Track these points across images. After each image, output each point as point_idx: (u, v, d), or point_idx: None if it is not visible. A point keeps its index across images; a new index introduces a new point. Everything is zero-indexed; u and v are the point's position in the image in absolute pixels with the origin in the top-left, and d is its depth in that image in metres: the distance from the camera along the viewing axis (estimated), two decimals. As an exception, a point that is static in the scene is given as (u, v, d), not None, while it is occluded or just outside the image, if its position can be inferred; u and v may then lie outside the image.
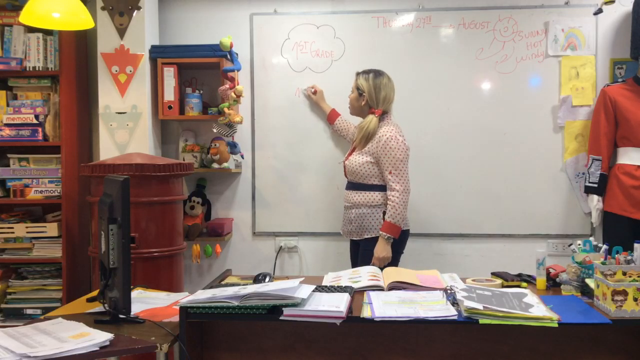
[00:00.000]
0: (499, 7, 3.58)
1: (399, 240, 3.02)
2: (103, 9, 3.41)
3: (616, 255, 1.97)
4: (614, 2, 3.44)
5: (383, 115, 3.09)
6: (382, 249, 2.95)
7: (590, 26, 3.53)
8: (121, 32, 3.42)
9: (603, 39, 3.54)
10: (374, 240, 3.00)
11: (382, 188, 3.03)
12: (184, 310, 1.83)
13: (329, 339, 2.02)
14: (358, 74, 3.16)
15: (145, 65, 3.44)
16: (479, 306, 1.78)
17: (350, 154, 3.16)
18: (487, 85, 3.60)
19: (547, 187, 3.59)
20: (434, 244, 3.65)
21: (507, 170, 3.60)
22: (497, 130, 3.59)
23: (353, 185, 3.11)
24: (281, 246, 3.74)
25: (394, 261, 3.03)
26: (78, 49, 3.60)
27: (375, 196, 3.03)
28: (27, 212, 3.59)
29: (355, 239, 3.13)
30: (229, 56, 3.48)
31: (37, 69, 3.42)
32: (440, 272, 2.42)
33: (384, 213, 2.99)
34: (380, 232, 2.96)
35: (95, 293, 2.28)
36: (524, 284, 2.28)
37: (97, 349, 1.68)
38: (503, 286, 2.24)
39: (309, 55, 3.68)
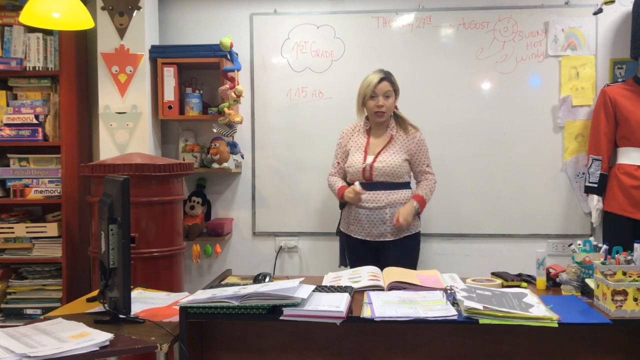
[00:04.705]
0: (499, 7, 3.58)
1: (419, 243, 3.11)
2: (103, 9, 3.41)
3: (616, 255, 1.97)
4: (614, 2, 3.44)
5: None
6: (409, 214, 2.94)
7: (590, 26, 3.53)
8: (121, 32, 3.42)
9: (603, 39, 3.54)
10: (412, 237, 3.03)
11: (410, 185, 3.10)
12: (184, 310, 1.83)
13: (329, 339, 2.02)
14: (386, 77, 3.01)
15: (145, 65, 3.45)
16: (479, 306, 1.78)
17: (378, 155, 3.00)
18: (487, 85, 3.60)
19: (547, 187, 3.59)
20: (434, 244, 3.65)
21: (507, 170, 3.60)
22: (497, 130, 3.60)
23: (386, 186, 2.99)
24: (281, 246, 3.74)
25: (413, 265, 3.05)
26: (78, 49, 3.60)
27: (409, 194, 3.05)
28: (27, 212, 3.59)
29: (389, 239, 3.00)
30: (229, 56, 3.48)
31: (37, 69, 3.42)
32: (440, 272, 2.42)
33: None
34: (412, 200, 2.99)
35: (95, 293, 2.28)
36: (524, 284, 2.27)
37: (97, 349, 1.68)
38: (503, 286, 2.24)
39: (309, 55, 3.68)
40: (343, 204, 3.14)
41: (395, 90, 3.04)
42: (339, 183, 3.12)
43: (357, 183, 2.94)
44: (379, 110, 2.99)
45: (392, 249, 2.99)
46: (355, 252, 3.10)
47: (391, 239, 3.00)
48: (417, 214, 3.02)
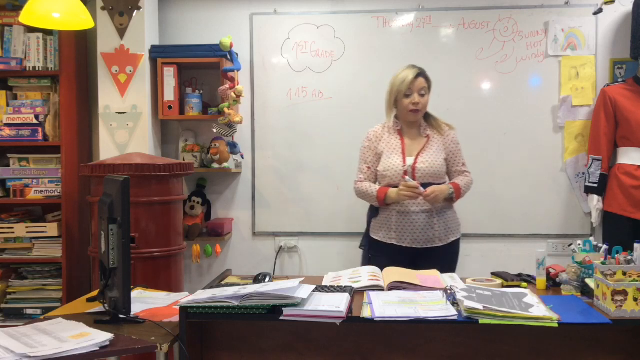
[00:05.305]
0: (499, 7, 3.58)
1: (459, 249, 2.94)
2: (103, 9, 3.41)
3: (616, 255, 1.97)
4: (614, 2, 3.44)
5: None
6: (442, 192, 2.72)
7: (590, 26, 3.53)
8: (121, 32, 3.42)
9: (603, 39, 3.54)
10: (457, 242, 2.88)
11: None
12: (184, 310, 1.83)
13: (329, 339, 2.02)
14: (421, 73, 2.85)
15: (145, 65, 3.45)
16: (479, 306, 1.78)
17: (418, 156, 2.79)
18: (487, 85, 3.61)
19: (547, 187, 3.59)
20: (434, 244, 3.65)
21: (507, 170, 3.60)
22: (497, 130, 3.60)
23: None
24: (281, 246, 3.74)
25: (452, 269, 2.82)
26: (78, 49, 3.60)
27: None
28: (27, 212, 3.59)
29: (438, 245, 2.79)
30: (229, 56, 3.48)
31: (37, 69, 3.42)
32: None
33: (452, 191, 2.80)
34: (449, 184, 2.80)
35: (95, 293, 2.28)
36: (524, 284, 2.27)
37: (97, 349, 1.68)
38: (503, 286, 2.24)
39: (309, 55, 3.68)
40: (375, 211, 2.89)
41: (429, 87, 2.86)
42: (374, 186, 2.83)
43: (407, 177, 2.70)
44: (415, 108, 2.79)
45: (439, 254, 2.79)
46: (393, 262, 2.59)
47: (440, 245, 2.80)
48: (450, 199, 2.80)
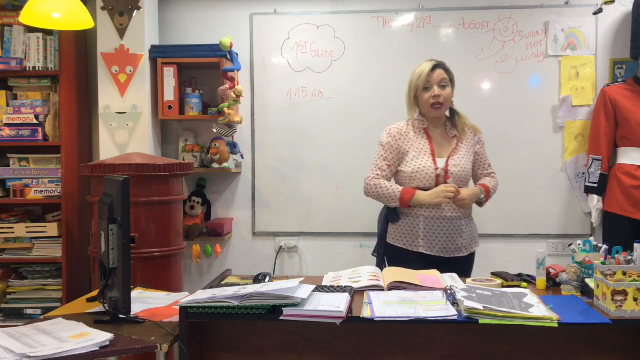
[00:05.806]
0: (499, 7, 3.58)
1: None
2: (103, 9, 3.41)
3: (616, 255, 1.97)
4: (614, 2, 3.44)
5: None
6: (473, 196, 2.63)
7: (590, 26, 3.54)
8: (121, 32, 3.42)
9: (603, 39, 3.55)
10: (475, 252, 2.74)
11: None
12: (184, 310, 1.83)
13: (329, 338, 2.02)
14: (439, 64, 2.66)
15: (145, 65, 3.45)
16: (479, 306, 1.78)
17: (449, 158, 2.65)
18: (487, 85, 3.61)
19: (547, 187, 3.59)
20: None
21: (507, 170, 3.59)
22: (497, 131, 3.59)
23: None
24: (281, 246, 3.74)
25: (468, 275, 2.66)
26: (78, 49, 3.60)
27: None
28: (27, 212, 3.59)
29: (463, 254, 2.65)
30: (229, 56, 3.48)
31: (37, 69, 3.42)
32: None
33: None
34: (480, 186, 2.70)
35: (95, 293, 2.28)
36: (524, 284, 2.27)
37: (97, 349, 1.68)
38: (503, 286, 2.23)
39: (309, 55, 3.68)
40: (395, 216, 2.67)
41: (451, 80, 2.67)
42: (396, 186, 2.63)
43: (450, 180, 2.59)
44: (436, 101, 2.61)
45: (461, 264, 2.65)
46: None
47: (465, 254, 2.66)
48: (479, 203, 2.71)
